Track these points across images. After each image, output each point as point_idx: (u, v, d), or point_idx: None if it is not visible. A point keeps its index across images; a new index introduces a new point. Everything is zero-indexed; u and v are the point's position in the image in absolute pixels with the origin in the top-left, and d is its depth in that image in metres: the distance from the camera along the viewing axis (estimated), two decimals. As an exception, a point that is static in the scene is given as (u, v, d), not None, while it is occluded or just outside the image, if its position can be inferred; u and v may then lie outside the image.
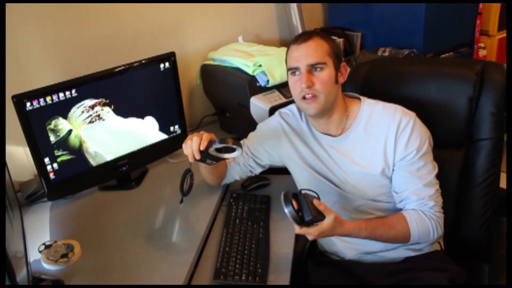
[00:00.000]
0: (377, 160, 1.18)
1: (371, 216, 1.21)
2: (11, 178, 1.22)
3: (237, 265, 1.15)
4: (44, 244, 1.21)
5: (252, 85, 1.61)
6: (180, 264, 1.14)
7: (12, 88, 1.26)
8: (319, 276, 1.25)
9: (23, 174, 1.54)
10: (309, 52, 1.14)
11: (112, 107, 1.42)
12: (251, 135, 1.39)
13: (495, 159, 1.27)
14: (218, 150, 1.13)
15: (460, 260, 1.22)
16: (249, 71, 1.63)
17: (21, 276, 0.94)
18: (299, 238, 1.32)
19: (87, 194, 1.49)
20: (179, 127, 1.62)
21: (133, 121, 1.48)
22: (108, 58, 1.56)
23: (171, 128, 1.60)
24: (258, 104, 1.57)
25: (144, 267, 1.15)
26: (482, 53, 2.33)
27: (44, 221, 1.36)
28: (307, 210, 1.02)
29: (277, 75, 1.62)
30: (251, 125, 1.45)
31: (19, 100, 1.21)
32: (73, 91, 1.31)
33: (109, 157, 1.46)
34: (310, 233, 1.05)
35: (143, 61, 1.46)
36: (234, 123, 1.82)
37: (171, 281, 1.09)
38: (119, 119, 1.45)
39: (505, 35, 2.37)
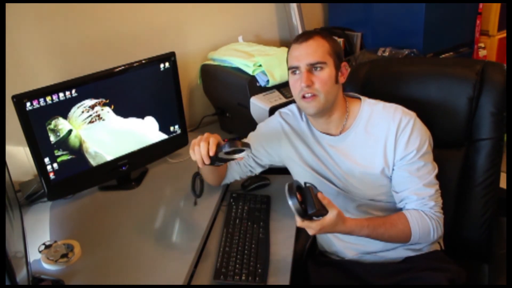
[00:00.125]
0: (377, 159, 1.18)
1: (371, 216, 1.21)
2: (11, 178, 1.22)
3: (237, 265, 1.15)
4: (44, 244, 1.21)
5: (252, 85, 1.61)
6: (180, 264, 1.14)
7: (12, 88, 1.26)
8: (319, 276, 1.25)
9: (23, 174, 1.54)
10: (309, 52, 1.15)
11: (112, 107, 1.42)
12: (251, 135, 1.39)
13: (495, 159, 1.27)
14: (227, 152, 1.13)
15: (460, 260, 1.22)
16: (249, 71, 1.63)
17: (21, 276, 0.94)
18: (299, 238, 1.32)
19: (87, 194, 1.49)
20: (179, 127, 1.62)
21: (133, 121, 1.48)
22: (108, 58, 1.56)
23: (171, 128, 1.60)
24: (258, 104, 1.57)
25: (144, 267, 1.15)
26: (482, 53, 2.33)
27: (44, 221, 1.36)
28: (311, 203, 1.00)
29: (277, 75, 1.62)
30: (251, 125, 1.45)
31: (19, 100, 1.21)
32: (73, 91, 1.31)
33: (109, 157, 1.46)
34: (312, 227, 1.03)
35: (143, 61, 1.46)
36: (234, 123, 1.82)
37: (171, 281, 1.09)
38: (119, 119, 1.45)
39: (505, 35, 2.37)
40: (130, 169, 1.52)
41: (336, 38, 2.07)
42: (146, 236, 1.27)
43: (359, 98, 1.26)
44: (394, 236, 1.15)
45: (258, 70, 1.62)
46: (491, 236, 1.31)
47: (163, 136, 1.58)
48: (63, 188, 1.39)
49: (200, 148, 1.12)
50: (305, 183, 1.05)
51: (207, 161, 1.12)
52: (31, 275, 1.06)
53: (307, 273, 1.29)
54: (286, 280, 1.13)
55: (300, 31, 2.06)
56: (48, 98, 1.27)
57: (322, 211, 1.02)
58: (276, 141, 1.32)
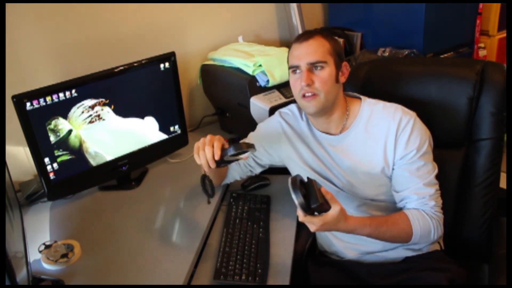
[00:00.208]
0: (377, 159, 1.18)
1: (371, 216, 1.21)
2: (11, 178, 1.22)
3: (237, 265, 1.14)
4: (44, 244, 1.21)
5: (252, 85, 1.61)
6: (180, 264, 1.14)
7: (12, 88, 1.26)
8: (319, 276, 1.25)
9: (23, 174, 1.54)
10: (309, 51, 1.15)
11: (112, 107, 1.42)
12: (251, 135, 1.39)
13: (495, 159, 1.27)
14: (232, 154, 1.13)
15: (460, 260, 1.22)
16: (249, 71, 1.63)
17: (21, 276, 0.94)
18: (299, 238, 1.32)
19: (87, 194, 1.49)
20: (179, 127, 1.62)
21: (133, 121, 1.48)
22: (108, 58, 1.56)
23: (171, 128, 1.60)
24: (258, 104, 1.57)
25: (144, 267, 1.15)
26: (482, 53, 2.33)
27: (44, 221, 1.36)
28: (314, 197, 0.98)
29: (277, 75, 1.62)
30: (251, 125, 1.45)
31: (19, 100, 1.21)
32: (73, 91, 1.31)
33: (109, 157, 1.46)
34: (314, 222, 1.01)
35: (143, 61, 1.46)
36: (234, 123, 1.82)
37: (171, 281, 1.09)
38: (119, 119, 1.45)
39: (505, 35, 2.37)
40: (130, 169, 1.52)
41: (336, 38, 2.08)
42: (146, 236, 1.27)
43: (359, 98, 1.26)
44: (395, 235, 1.14)
45: (258, 70, 1.62)
46: (491, 236, 1.31)
47: (163, 136, 1.58)
48: (63, 188, 1.39)
49: (205, 153, 1.11)
50: (308, 177, 1.04)
51: (212, 165, 1.12)
52: (31, 275, 1.06)
53: (307, 273, 1.29)
54: (286, 280, 1.13)
55: (300, 31, 2.06)
56: (48, 98, 1.27)
57: (325, 205, 1.00)
58: (276, 141, 1.32)
